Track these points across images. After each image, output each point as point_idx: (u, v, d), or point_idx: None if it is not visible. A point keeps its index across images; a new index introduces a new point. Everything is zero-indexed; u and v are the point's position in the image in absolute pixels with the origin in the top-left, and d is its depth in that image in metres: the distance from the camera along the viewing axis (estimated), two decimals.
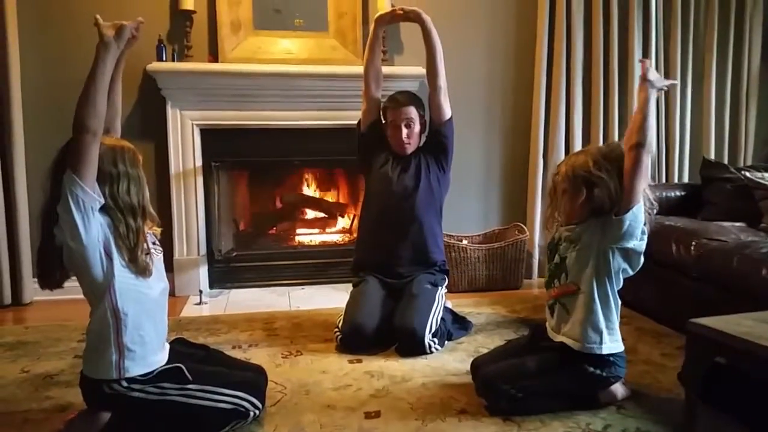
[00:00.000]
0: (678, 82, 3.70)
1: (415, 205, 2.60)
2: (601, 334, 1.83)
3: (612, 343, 1.85)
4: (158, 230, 1.82)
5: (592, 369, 1.83)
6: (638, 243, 1.80)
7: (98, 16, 1.64)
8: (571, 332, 1.86)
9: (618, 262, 1.82)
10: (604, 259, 1.82)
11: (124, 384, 1.63)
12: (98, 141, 1.55)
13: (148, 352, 1.67)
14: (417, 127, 2.66)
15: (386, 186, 2.63)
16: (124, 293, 1.62)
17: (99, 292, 1.61)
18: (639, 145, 1.74)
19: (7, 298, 3.11)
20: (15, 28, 3.04)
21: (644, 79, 1.83)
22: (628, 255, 1.82)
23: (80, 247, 1.55)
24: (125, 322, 1.62)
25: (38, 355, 2.37)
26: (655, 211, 1.89)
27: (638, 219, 1.77)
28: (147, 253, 1.67)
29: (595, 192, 1.81)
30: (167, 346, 1.78)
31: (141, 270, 1.64)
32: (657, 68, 3.69)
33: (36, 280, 1.70)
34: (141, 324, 1.65)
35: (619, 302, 1.88)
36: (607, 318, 1.85)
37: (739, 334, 1.37)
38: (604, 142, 3.49)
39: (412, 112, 2.62)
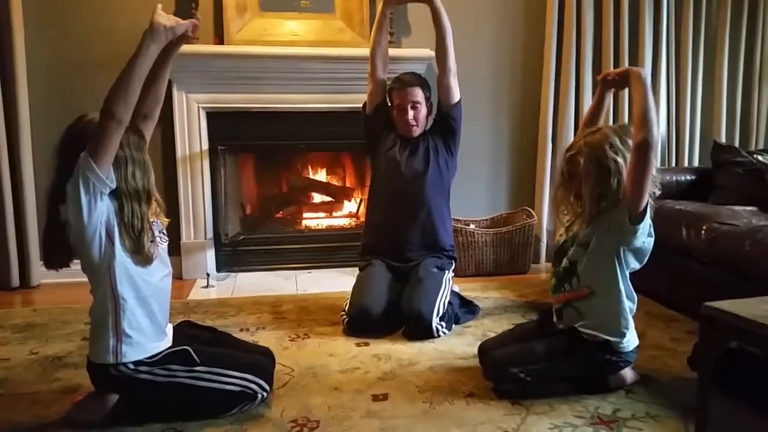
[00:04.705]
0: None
1: (425, 188, 2.58)
2: (618, 335, 1.82)
3: (626, 343, 1.83)
4: (166, 220, 1.80)
5: (601, 353, 1.82)
6: (648, 240, 1.80)
7: (159, 5, 1.60)
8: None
9: (629, 261, 1.82)
10: (618, 261, 1.81)
11: (131, 366, 1.63)
12: (122, 129, 1.52)
13: (146, 339, 1.65)
14: (423, 110, 2.63)
15: (395, 169, 2.60)
16: (123, 278, 1.60)
17: (98, 274, 1.60)
18: (647, 143, 1.67)
19: (15, 281, 3.12)
20: (20, 11, 3.01)
21: (636, 77, 1.81)
22: (637, 254, 1.82)
23: (80, 227, 1.54)
24: (123, 307, 1.61)
25: (46, 338, 2.37)
26: (658, 193, 1.81)
27: (647, 218, 1.77)
28: (152, 240, 1.65)
29: (610, 178, 1.78)
30: (170, 333, 1.77)
31: (145, 259, 1.62)
32: (668, 50, 3.65)
33: (42, 261, 1.69)
34: (140, 310, 1.64)
35: (636, 298, 1.87)
36: (624, 317, 1.83)
37: (756, 318, 1.34)
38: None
39: (419, 93, 2.59)
